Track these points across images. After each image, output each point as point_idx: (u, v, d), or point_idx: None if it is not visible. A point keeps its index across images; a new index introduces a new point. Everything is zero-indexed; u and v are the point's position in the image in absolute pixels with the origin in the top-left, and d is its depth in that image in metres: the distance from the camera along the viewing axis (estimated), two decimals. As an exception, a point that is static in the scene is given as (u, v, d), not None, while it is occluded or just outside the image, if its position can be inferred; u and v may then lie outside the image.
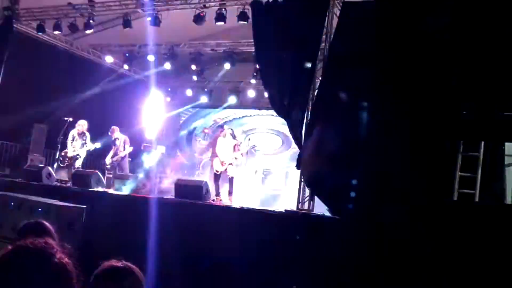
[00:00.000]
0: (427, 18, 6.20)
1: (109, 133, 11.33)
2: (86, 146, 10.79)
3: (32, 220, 3.12)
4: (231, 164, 10.30)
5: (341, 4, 7.80)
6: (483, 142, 6.01)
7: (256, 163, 13.60)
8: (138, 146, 13.16)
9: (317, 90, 7.43)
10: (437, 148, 6.11)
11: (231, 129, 11.25)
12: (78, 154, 10.76)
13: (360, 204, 6.29)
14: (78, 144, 10.78)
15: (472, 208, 5.80)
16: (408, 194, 5.98)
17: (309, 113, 7.40)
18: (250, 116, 15.11)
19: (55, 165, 10.68)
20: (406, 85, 6.33)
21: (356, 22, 6.97)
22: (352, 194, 6.39)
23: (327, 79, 7.24)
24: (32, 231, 2.82)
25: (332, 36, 7.51)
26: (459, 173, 6.02)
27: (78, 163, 10.82)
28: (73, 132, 10.81)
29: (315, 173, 7.08)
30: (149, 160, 13.20)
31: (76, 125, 10.81)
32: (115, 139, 11.31)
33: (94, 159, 12.09)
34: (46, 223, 2.99)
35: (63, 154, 10.79)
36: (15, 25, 11.20)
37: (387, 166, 6.32)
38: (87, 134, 10.83)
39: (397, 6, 6.63)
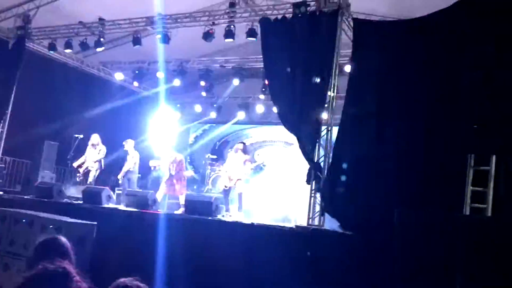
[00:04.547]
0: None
1: (124, 143, 11.50)
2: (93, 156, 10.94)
3: (49, 237, 3.01)
4: (239, 179, 10.27)
5: (349, 20, 7.88)
6: (494, 156, 5.98)
7: (265, 178, 13.55)
8: (147, 163, 13.21)
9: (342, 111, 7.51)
10: (448, 162, 6.10)
11: (243, 143, 11.21)
12: (88, 166, 10.85)
13: (372, 220, 6.27)
14: (90, 156, 10.92)
15: (484, 222, 5.74)
16: (420, 209, 5.94)
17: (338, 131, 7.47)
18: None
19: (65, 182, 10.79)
20: (420, 102, 6.45)
21: (373, 42, 7.13)
22: (366, 210, 6.41)
23: (350, 101, 7.33)
24: (49, 249, 2.79)
25: (339, 52, 7.64)
26: (471, 187, 5.97)
27: (91, 177, 10.91)
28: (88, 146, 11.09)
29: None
30: (158, 176, 13.22)
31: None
32: (126, 154, 11.42)
33: (106, 175, 12.13)
34: (63, 239, 2.95)
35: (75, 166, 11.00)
36: (27, 44, 11.37)
37: (399, 183, 6.33)
38: (99, 147, 10.94)
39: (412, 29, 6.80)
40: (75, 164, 11.05)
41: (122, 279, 2.30)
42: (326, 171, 7.46)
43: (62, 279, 1.85)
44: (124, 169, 11.20)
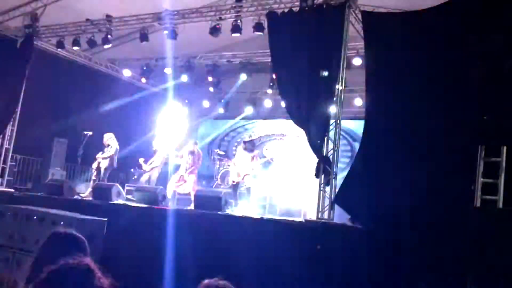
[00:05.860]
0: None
1: (153, 143, 11.71)
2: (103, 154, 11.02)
3: (62, 230, 2.88)
4: (247, 174, 10.27)
5: (356, 13, 7.83)
6: (505, 147, 5.93)
7: (274, 172, 13.54)
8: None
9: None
10: (458, 154, 6.06)
11: (249, 141, 11.19)
12: (99, 164, 10.95)
13: (383, 213, 6.25)
14: (103, 153, 11.04)
15: (495, 214, 5.71)
16: (430, 201, 5.92)
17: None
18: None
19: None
20: (430, 94, 6.42)
21: (383, 34, 7.09)
22: (377, 203, 6.41)
23: (370, 95, 7.34)
24: (62, 242, 2.72)
25: (347, 45, 7.60)
26: (482, 179, 5.93)
27: (102, 174, 10.99)
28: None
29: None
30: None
31: None
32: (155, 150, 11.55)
33: (115, 171, 12.20)
34: (78, 234, 2.87)
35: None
36: (35, 42, 11.42)
37: (410, 176, 6.31)
38: (111, 144, 10.99)
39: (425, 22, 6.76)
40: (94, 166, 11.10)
41: (206, 281, 2.21)
42: (335, 165, 7.45)
43: (85, 275, 1.84)
44: (152, 166, 11.34)
